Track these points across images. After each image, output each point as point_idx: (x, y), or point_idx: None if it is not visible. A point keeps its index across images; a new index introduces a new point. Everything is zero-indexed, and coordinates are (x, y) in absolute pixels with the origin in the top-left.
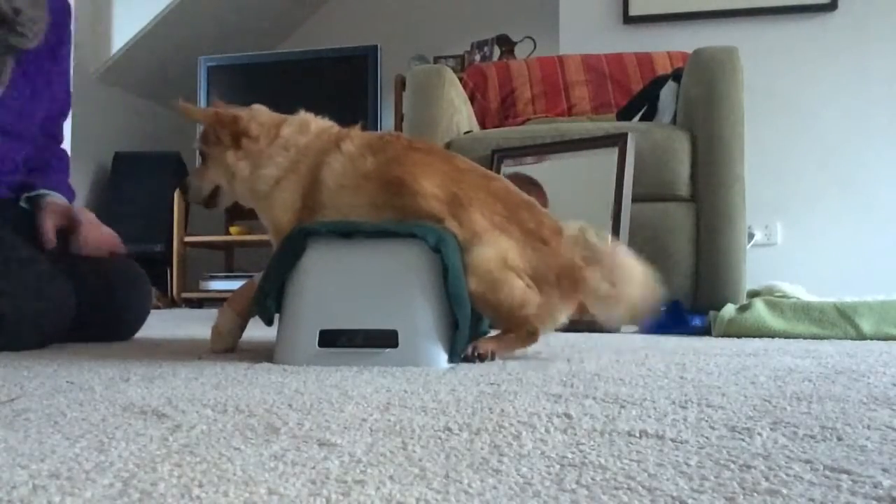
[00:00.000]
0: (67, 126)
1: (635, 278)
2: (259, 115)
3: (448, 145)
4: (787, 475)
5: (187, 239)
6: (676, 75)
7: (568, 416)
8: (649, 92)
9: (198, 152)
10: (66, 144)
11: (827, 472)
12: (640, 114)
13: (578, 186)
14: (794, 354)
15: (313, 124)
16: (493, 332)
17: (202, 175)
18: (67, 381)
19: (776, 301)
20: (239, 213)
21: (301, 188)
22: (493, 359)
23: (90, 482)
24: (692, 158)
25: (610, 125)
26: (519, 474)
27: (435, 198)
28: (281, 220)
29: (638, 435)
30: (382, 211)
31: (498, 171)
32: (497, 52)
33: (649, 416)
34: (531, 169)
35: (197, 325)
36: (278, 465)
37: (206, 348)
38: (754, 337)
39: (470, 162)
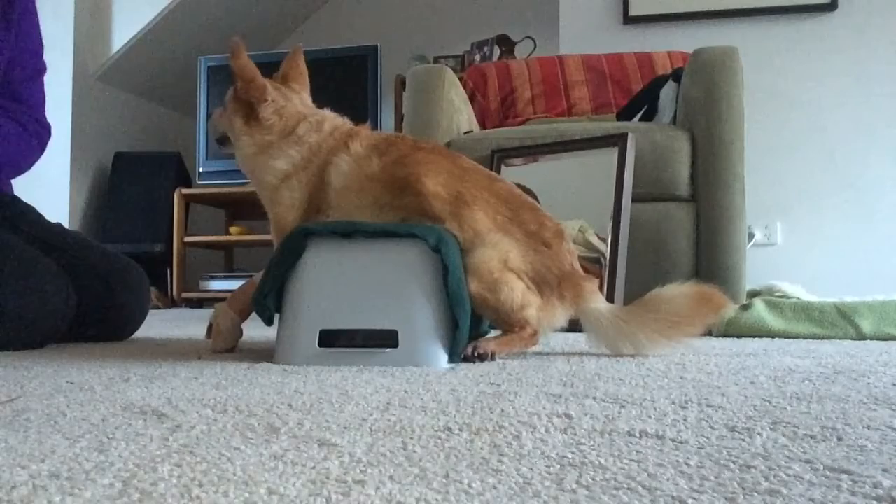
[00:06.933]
0: (67, 126)
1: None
2: (289, 104)
3: (448, 145)
4: (787, 475)
5: (187, 239)
6: (676, 75)
7: (568, 416)
8: (649, 92)
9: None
10: (66, 144)
11: (827, 472)
12: (640, 114)
13: (578, 186)
14: (794, 354)
15: (328, 123)
16: (494, 333)
17: (219, 116)
18: (67, 381)
19: (776, 301)
20: (239, 213)
21: (309, 187)
22: (493, 359)
23: (90, 482)
24: (692, 158)
25: (610, 125)
26: (519, 474)
27: (438, 197)
28: (285, 217)
29: (638, 435)
30: (387, 210)
31: (498, 172)
32: (497, 52)
33: (649, 416)
34: (524, 170)
35: (197, 325)
36: (278, 465)
37: (207, 348)
38: (754, 337)
39: (473, 162)
